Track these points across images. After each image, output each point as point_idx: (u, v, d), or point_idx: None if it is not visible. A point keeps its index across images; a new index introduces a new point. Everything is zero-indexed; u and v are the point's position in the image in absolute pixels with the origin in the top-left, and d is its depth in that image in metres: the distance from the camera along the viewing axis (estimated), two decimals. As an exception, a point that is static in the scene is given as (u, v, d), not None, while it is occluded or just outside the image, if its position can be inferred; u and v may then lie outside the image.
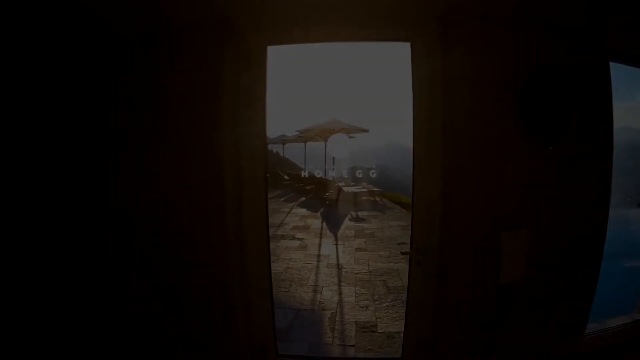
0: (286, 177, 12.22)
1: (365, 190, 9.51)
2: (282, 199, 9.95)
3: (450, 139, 1.75)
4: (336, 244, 5.44)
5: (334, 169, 9.75)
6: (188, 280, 1.85)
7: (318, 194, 9.75)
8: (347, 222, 7.07)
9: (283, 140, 13.90)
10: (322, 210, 8.27)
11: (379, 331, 2.83)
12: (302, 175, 10.87)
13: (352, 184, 10.28)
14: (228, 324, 1.91)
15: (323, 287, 3.76)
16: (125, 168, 1.85)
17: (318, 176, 10.01)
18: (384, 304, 3.31)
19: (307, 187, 10.45)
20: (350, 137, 9.27)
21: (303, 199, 9.82)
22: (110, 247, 1.88)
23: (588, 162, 1.86)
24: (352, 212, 7.90)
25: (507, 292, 1.83)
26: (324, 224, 6.99)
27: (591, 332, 2.15)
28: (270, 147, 16.46)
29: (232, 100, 1.82)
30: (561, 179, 1.82)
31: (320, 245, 5.40)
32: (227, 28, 1.77)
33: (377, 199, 9.37)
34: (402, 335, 2.09)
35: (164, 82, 1.80)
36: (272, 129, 14.26)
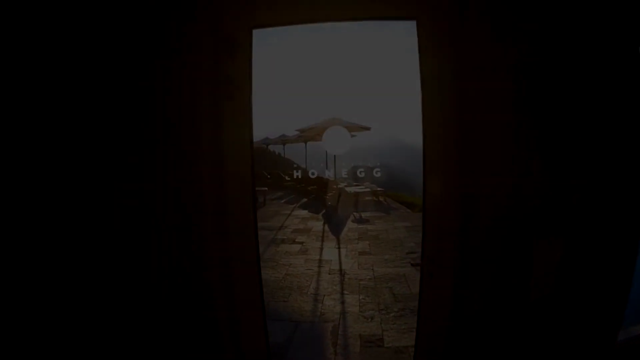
0: (287, 177, 12.00)
1: (368, 190, 9.26)
2: (282, 201, 9.72)
3: (466, 131, 1.51)
4: (338, 248, 5.18)
5: (334, 168, 9.50)
6: (157, 289, 1.62)
7: (320, 195, 9.52)
8: (349, 224, 6.82)
9: (283, 140, 13.69)
10: (323, 211, 8.03)
11: (386, 345, 2.57)
12: (295, 176, 10.61)
13: (355, 183, 10.04)
14: (211, 340, 1.68)
15: (324, 295, 3.51)
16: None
17: (313, 176, 9.73)
18: (391, 314, 3.06)
19: (308, 188, 10.23)
20: (352, 136, 9.02)
21: (304, 200, 9.59)
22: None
23: (623, 158, 1.61)
24: (355, 213, 7.65)
25: (536, 306, 1.60)
26: (326, 226, 6.74)
27: (622, 340, 1.93)
28: (271, 147, 16.34)
29: (212, 91, 1.58)
30: (592, 177, 1.57)
31: (321, 249, 5.15)
32: (205, 8, 1.53)
33: (381, 198, 9.12)
34: (411, 350, 1.89)
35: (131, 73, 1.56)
36: (273, 129, 14.09)
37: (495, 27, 1.49)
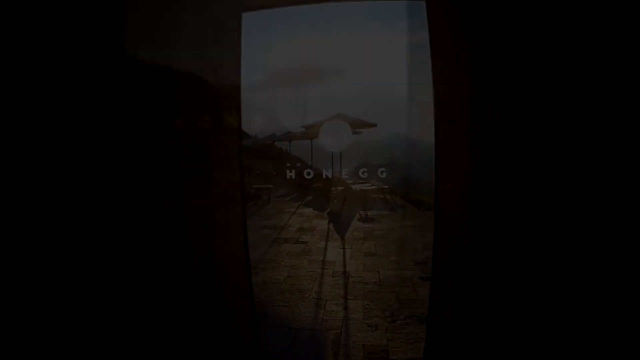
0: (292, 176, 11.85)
1: (375, 187, 9.06)
2: (287, 198, 9.58)
3: (482, 124, 1.31)
4: (343, 248, 5.00)
5: (340, 166, 9.30)
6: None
7: (325, 193, 9.36)
8: (355, 223, 6.64)
9: (289, 137, 13.52)
10: (328, 210, 7.86)
11: (391, 358, 2.40)
12: (288, 176, 10.37)
13: (361, 181, 9.84)
14: (197, 342, 1.53)
15: (327, 300, 3.34)
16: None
17: (309, 176, 9.50)
18: (397, 322, 2.87)
19: (314, 186, 10.06)
20: (358, 133, 8.81)
21: (310, 198, 9.43)
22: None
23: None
24: (360, 212, 7.46)
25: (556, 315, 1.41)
26: (331, 225, 6.57)
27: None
28: (277, 144, 16.19)
29: (196, 80, 1.42)
30: (617, 176, 1.37)
31: (325, 249, 4.98)
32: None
33: (388, 197, 8.91)
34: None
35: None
36: (278, 126, 13.93)
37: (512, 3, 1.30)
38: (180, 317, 1.50)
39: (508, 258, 1.37)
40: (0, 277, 1.42)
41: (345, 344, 2.59)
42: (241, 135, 1.52)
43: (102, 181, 1.42)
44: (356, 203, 8.14)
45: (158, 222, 1.46)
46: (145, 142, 1.42)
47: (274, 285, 3.68)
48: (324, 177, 9.87)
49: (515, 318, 1.42)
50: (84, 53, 1.39)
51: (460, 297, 1.46)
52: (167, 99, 1.39)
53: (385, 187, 9.16)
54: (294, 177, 11.69)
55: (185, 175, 1.45)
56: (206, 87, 1.44)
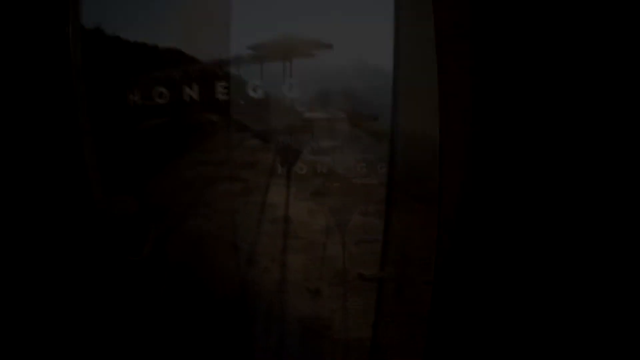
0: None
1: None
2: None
3: (492, 117, 1.25)
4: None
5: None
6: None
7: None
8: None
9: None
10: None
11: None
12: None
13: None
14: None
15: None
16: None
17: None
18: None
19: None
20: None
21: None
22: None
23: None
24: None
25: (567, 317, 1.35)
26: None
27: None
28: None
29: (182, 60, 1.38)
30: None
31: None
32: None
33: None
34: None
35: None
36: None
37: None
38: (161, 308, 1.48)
39: (512, 259, 1.32)
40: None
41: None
42: (231, 117, 1.53)
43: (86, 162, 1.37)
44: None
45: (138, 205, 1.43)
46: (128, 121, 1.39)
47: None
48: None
49: (519, 321, 1.38)
50: (65, 30, 1.34)
51: (463, 299, 1.42)
52: (152, 76, 1.35)
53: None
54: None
55: (173, 153, 1.43)
56: (194, 65, 1.41)
